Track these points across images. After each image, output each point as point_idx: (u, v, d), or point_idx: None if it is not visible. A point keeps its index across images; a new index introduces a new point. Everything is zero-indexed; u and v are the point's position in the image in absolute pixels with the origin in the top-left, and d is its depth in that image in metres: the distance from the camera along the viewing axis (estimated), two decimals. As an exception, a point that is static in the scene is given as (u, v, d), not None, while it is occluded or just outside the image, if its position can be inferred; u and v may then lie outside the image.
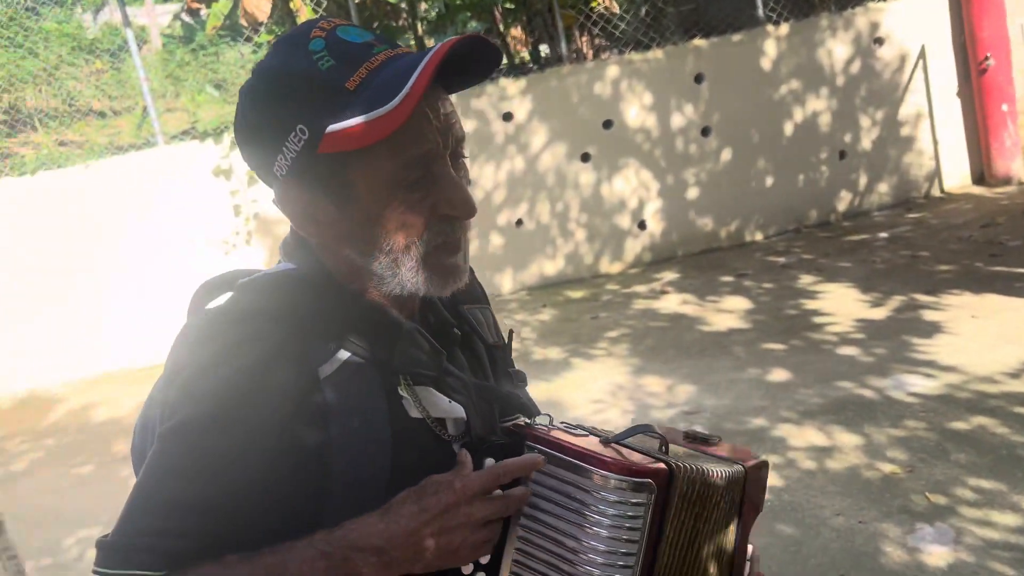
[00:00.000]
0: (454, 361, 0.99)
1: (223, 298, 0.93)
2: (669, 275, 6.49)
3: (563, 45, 6.81)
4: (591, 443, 0.89)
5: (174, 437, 0.84)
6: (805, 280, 5.72)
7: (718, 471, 0.94)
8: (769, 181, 7.01)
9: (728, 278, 6.11)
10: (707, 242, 6.99)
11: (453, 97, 0.93)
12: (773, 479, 3.18)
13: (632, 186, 6.84)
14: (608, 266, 6.94)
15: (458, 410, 0.93)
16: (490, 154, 6.65)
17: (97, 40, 12.04)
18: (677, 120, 6.80)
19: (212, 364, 0.84)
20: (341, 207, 0.88)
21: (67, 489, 4.43)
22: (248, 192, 6.43)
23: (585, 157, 6.74)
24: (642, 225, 6.92)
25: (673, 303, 5.77)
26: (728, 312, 5.37)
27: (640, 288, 6.30)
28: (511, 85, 6.58)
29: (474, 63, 0.90)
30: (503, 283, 6.85)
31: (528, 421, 0.94)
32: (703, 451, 1.00)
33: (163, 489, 0.83)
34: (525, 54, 10.25)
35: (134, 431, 1.01)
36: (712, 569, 0.96)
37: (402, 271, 0.90)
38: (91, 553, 0.88)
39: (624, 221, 6.89)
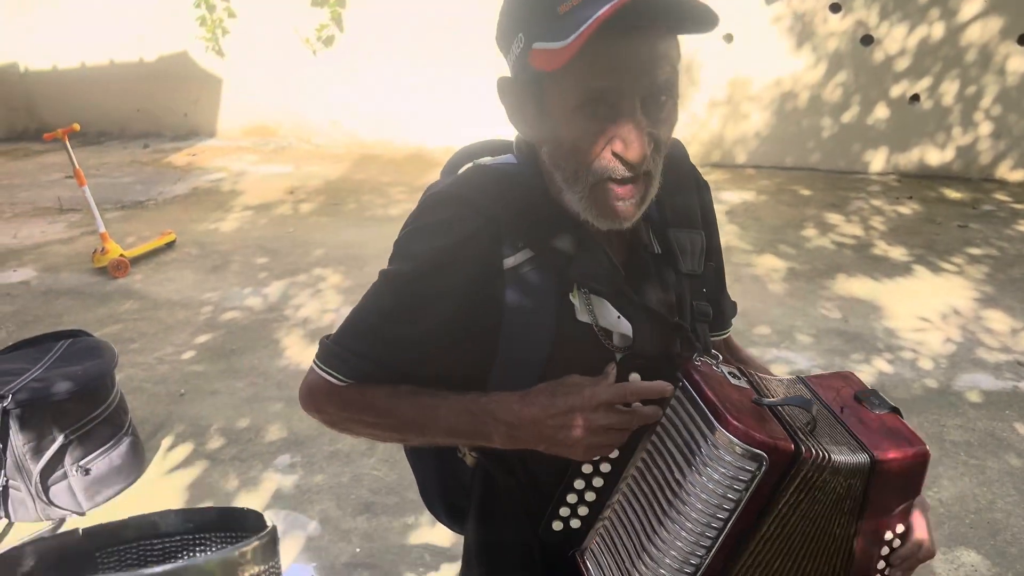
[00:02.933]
0: (641, 281, 1.05)
1: (461, 172, 1.07)
2: (1080, 202, 5.48)
3: None
4: (740, 397, 0.94)
5: (384, 281, 1.04)
6: None
7: (843, 460, 0.93)
8: None
9: None
10: None
11: None
12: (1086, 471, 2.81)
13: (1074, 86, 5.69)
14: (1007, 172, 6.00)
15: (625, 326, 1.01)
16: (906, 13, 5.87)
17: None
18: None
19: (423, 232, 1.01)
20: (539, 115, 0.96)
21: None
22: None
23: (1024, 39, 5.69)
24: (1069, 135, 5.81)
25: (1068, 236, 4.92)
26: None
27: (1035, 208, 5.42)
28: (959, -63, 5.62)
29: (699, 14, 0.88)
30: (874, 161, 6.27)
31: (696, 357, 0.99)
32: (851, 424, 0.99)
33: (368, 319, 1.05)
34: None
35: None
36: (822, 554, 0.98)
37: (571, 192, 0.97)
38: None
39: (1047, 125, 5.82)
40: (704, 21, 0.89)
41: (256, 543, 0.97)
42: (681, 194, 1.12)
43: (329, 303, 4.35)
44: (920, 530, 1.04)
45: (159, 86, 8.49)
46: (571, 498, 1.04)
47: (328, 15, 7.49)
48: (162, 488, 2.85)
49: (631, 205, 0.96)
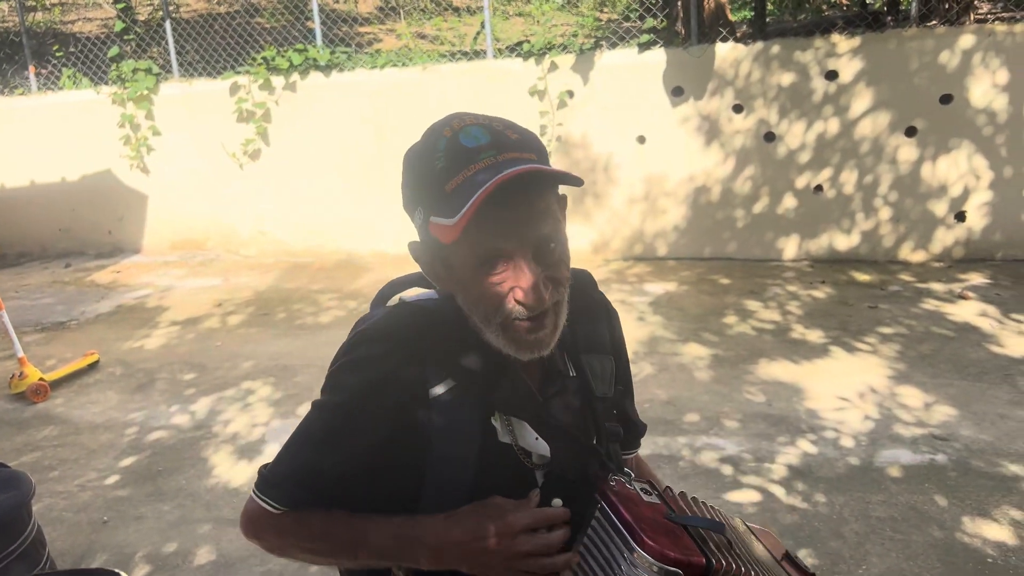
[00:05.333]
0: (557, 402, 1.13)
1: (388, 306, 1.16)
2: (976, 279, 5.82)
3: (915, 3, 6.14)
4: (653, 514, 0.99)
5: (317, 412, 1.11)
6: None
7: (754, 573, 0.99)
8: None
9: (1047, 297, 5.36)
10: (1037, 250, 6.12)
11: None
12: (1011, 537, 2.91)
13: (960, 171, 6.13)
14: (908, 254, 6.37)
15: (543, 447, 1.09)
16: (803, 111, 6.30)
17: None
18: (1035, 106, 5.91)
19: (353, 366, 1.09)
20: (447, 272, 1.09)
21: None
22: (556, 115, 6.74)
23: (911, 131, 6.14)
24: (960, 216, 6.21)
25: (969, 311, 5.21)
26: (1031, 337, 4.75)
27: (936, 286, 5.74)
28: (843, 42, 6.11)
29: (562, 179, 1.01)
30: (786, 249, 6.59)
31: (611, 475, 1.05)
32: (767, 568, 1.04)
33: (302, 447, 1.11)
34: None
35: None
36: None
37: (487, 332, 1.07)
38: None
39: (939, 208, 6.23)
40: (570, 182, 1.00)
41: None
42: (592, 322, 1.22)
43: (259, 417, 4.29)
44: None
45: (82, 205, 8.42)
46: None
47: (254, 130, 7.62)
48: (83, 625, 2.70)
49: (544, 336, 1.06)
